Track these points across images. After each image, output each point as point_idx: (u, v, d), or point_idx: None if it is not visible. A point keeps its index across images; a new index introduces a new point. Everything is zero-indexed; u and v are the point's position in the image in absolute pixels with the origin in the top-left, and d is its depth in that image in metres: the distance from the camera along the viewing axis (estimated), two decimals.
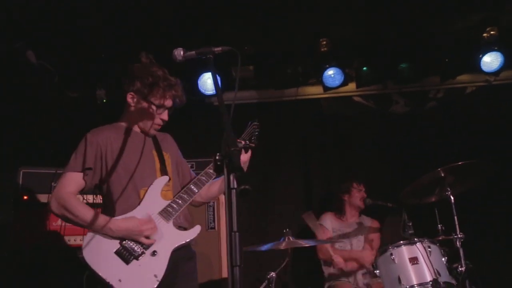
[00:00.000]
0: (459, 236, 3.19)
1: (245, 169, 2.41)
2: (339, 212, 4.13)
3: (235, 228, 1.47)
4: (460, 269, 3.12)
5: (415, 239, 3.20)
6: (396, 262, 3.16)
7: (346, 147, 4.43)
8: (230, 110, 1.71)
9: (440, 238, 3.31)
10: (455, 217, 3.24)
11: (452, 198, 3.29)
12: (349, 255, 3.85)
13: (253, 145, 2.50)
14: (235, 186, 1.59)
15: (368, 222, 4.05)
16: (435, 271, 3.03)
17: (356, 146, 4.41)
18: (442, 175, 3.30)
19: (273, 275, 2.89)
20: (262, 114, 3.85)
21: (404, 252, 3.16)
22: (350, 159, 4.44)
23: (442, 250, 3.21)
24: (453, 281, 3.19)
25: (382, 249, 3.31)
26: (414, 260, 3.10)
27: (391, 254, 3.20)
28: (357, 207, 4.09)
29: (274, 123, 4.21)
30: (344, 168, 4.42)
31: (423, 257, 3.11)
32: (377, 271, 3.30)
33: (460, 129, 4.29)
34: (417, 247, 3.14)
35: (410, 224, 3.28)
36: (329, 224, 4.02)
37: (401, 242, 3.24)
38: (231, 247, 1.44)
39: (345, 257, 3.87)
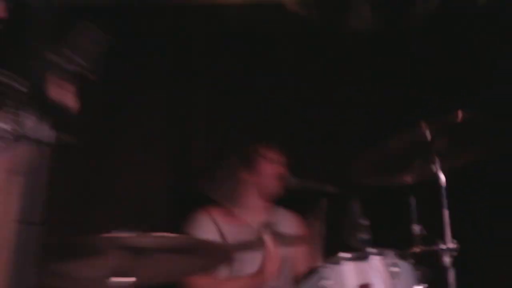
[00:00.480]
0: (449, 246, 2.78)
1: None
2: (233, 204, 3.49)
3: None
4: None
5: (371, 250, 2.66)
6: None
7: (260, 86, 4.03)
8: None
9: (416, 249, 2.94)
10: (445, 212, 2.82)
11: (442, 178, 2.85)
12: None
13: None
14: None
15: (289, 222, 3.53)
16: None
17: (277, 83, 4.05)
18: (428, 136, 2.77)
19: None
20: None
21: (348, 274, 2.62)
22: (265, 107, 3.93)
23: (417, 272, 2.78)
24: None
25: (309, 270, 2.73)
26: None
27: (324, 278, 2.58)
28: (269, 194, 3.45)
29: (134, 34, 3.70)
30: (251, 122, 3.89)
31: (382, 284, 2.58)
32: None
33: (462, 62, 4.04)
34: (373, 266, 2.62)
35: (366, 223, 2.70)
36: (212, 231, 3.37)
37: (344, 255, 2.68)
38: None
39: None
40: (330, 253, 2.81)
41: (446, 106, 3.24)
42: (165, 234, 2.54)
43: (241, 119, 4.18)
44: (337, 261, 2.73)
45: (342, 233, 2.83)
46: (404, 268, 2.79)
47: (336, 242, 2.95)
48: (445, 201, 2.90)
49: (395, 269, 2.74)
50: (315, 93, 4.22)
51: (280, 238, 3.50)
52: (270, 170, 3.59)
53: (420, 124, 2.95)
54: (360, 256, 2.74)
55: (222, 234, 3.49)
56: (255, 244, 3.46)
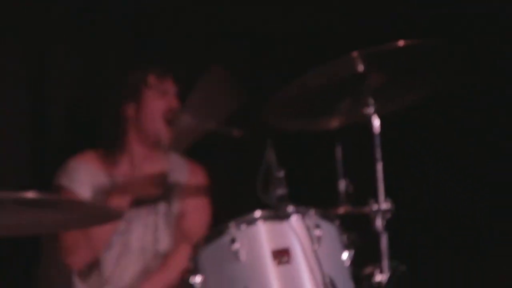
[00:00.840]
0: (381, 207, 2.87)
1: None
2: (112, 149, 3.36)
3: None
4: (379, 278, 2.90)
5: (290, 208, 2.68)
6: (242, 259, 2.59)
7: None
8: None
9: (341, 209, 3.04)
10: (379, 165, 2.90)
11: (376, 123, 2.88)
12: None
13: None
14: None
15: (182, 171, 3.59)
16: (326, 280, 2.69)
17: None
18: (358, 66, 2.75)
19: None
20: None
21: (263, 236, 2.67)
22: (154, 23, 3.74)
23: (344, 236, 2.86)
24: None
25: (214, 231, 2.72)
26: (282, 255, 2.60)
27: (232, 241, 2.59)
28: (155, 136, 3.36)
29: None
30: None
31: (302, 249, 2.61)
32: (197, 277, 2.71)
33: None
34: (292, 227, 2.61)
35: (281, 175, 2.67)
36: (86, 181, 3.33)
37: (258, 214, 2.69)
38: None
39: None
40: (240, 210, 2.82)
41: (382, 33, 3.31)
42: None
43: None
44: (248, 221, 2.74)
45: (255, 186, 2.83)
46: (327, 231, 2.81)
47: (246, 197, 2.98)
48: (378, 152, 2.93)
49: (318, 232, 2.76)
50: (223, 15, 4.13)
51: (176, 188, 3.47)
52: (158, 102, 3.43)
53: (350, 53, 2.92)
54: (276, 215, 2.75)
55: (96, 186, 3.39)
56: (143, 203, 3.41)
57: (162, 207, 3.43)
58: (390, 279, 2.84)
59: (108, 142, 3.42)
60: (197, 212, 3.45)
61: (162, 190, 3.41)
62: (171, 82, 3.43)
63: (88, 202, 3.04)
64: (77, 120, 3.88)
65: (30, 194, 2.41)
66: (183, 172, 3.51)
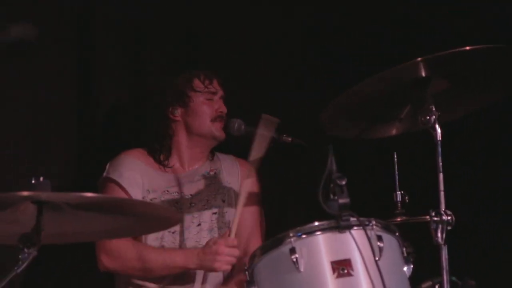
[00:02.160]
0: (443, 217, 2.78)
1: None
2: (160, 150, 3.36)
3: None
4: None
5: (351, 218, 2.61)
6: (302, 269, 2.55)
7: None
8: None
9: (399, 219, 3.04)
10: (440, 175, 2.80)
11: (437, 130, 2.84)
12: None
13: None
14: None
15: (234, 168, 3.52)
16: None
17: None
18: (422, 71, 2.70)
19: None
20: None
21: (323, 247, 2.61)
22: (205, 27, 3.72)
23: (404, 248, 2.80)
24: None
25: (271, 241, 2.68)
26: (342, 267, 2.57)
27: (292, 251, 2.55)
28: (205, 139, 3.48)
29: None
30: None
31: (363, 261, 2.59)
32: None
33: None
34: (353, 238, 2.59)
35: (343, 183, 2.61)
36: (136, 178, 3.30)
37: (317, 224, 2.67)
38: None
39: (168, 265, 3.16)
40: (299, 220, 2.78)
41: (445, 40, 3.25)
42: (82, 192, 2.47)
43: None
44: (308, 231, 2.71)
45: (315, 195, 2.78)
46: (389, 243, 2.74)
47: (307, 206, 2.94)
48: (440, 161, 2.84)
49: (380, 244, 2.69)
50: (276, 16, 4.11)
51: (229, 191, 3.45)
52: (206, 107, 3.42)
53: (413, 58, 2.82)
54: (337, 225, 2.68)
55: (146, 185, 3.38)
56: (194, 202, 3.40)
57: (216, 205, 3.45)
58: None
59: (156, 143, 3.43)
60: (253, 219, 3.48)
61: (214, 189, 3.43)
62: (217, 86, 3.44)
63: (147, 203, 3.01)
64: (121, 123, 3.88)
65: (89, 195, 2.35)
66: (235, 168, 3.53)
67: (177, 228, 3.34)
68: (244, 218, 3.37)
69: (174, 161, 3.45)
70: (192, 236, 3.33)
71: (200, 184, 3.44)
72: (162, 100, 3.46)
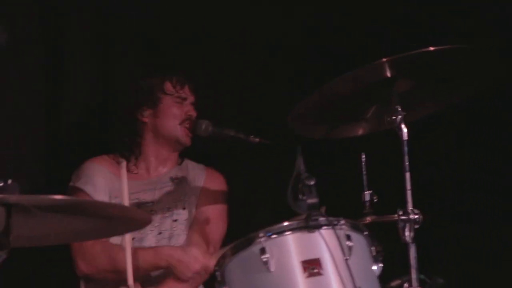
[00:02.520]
0: (411, 216, 2.77)
1: None
2: (127, 155, 3.38)
3: None
4: None
5: (320, 218, 2.61)
6: (272, 269, 2.54)
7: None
8: None
9: (367, 219, 3.04)
10: (407, 174, 2.79)
11: (403, 130, 2.82)
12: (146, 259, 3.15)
13: None
14: None
15: (199, 176, 3.53)
16: None
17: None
18: (387, 71, 2.70)
19: None
20: None
21: (292, 247, 2.57)
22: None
23: (372, 247, 2.81)
24: None
25: (241, 241, 2.68)
26: (312, 266, 2.58)
27: (262, 251, 2.55)
28: (173, 142, 3.44)
29: None
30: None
31: (333, 260, 2.55)
32: None
33: None
34: (323, 238, 2.60)
35: (312, 183, 2.62)
36: (102, 185, 3.32)
37: (287, 224, 2.65)
38: None
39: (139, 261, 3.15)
40: (269, 220, 2.78)
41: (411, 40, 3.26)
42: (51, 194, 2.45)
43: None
44: (278, 231, 2.68)
45: (284, 195, 2.78)
46: (358, 242, 2.76)
47: (275, 207, 2.94)
48: (406, 160, 2.84)
49: (349, 243, 2.71)
50: (244, 17, 4.08)
51: (191, 192, 3.43)
52: (176, 109, 3.40)
53: (379, 59, 2.84)
54: (307, 225, 2.69)
55: (111, 189, 3.35)
56: (159, 205, 3.37)
57: (177, 213, 3.41)
58: None
59: (124, 146, 3.40)
60: (214, 219, 3.44)
61: (177, 196, 3.40)
62: (188, 90, 3.42)
63: (118, 205, 3.00)
64: (90, 124, 3.85)
65: (58, 197, 2.34)
66: (201, 177, 3.49)
67: (136, 234, 3.32)
68: (204, 213, 3.43)
69: (139, 166, 3.43)
70: (152, 244, 3.33)
71: (162, 191, 3.41)
72: (132, 100, 3.44)
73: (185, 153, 3.51)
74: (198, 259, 3.15)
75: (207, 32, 4.03)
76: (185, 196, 3.40)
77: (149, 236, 3.33)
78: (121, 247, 3.22)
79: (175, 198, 3.40)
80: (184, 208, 3.40)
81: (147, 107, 3.41)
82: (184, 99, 3.40)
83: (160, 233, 3.34)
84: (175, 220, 3.38)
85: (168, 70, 3.51)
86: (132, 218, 2.52)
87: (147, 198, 3.36)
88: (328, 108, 2.99)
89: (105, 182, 3.33)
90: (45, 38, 3.75)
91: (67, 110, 3.84)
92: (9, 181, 2.28)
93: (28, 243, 2.47)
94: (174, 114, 3.39)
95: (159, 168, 3.44)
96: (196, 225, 3.38)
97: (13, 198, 2.22)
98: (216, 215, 3.42)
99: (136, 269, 3.16)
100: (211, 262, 3.03)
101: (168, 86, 3.42)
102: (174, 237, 3.36)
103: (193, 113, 3.39)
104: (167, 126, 3.39)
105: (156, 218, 3.36)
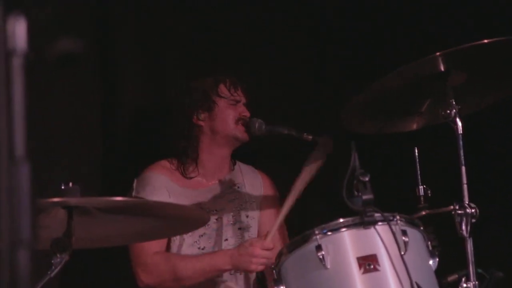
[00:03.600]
0: (467, 210, 2.73)
1: None
2: (184, 159, 3.35)
3: None
4: (464, 285, 2.81)
5: (375, 214, 2.55)
6: (329, 266, 2.53)
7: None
8: None
9: (423, 213, 2.96)
10: (462, 168, 2.77)
11: (458, 124, 2.77)
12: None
13: None
14: None
15: (256, 182, 3.40)
16: (415, 287, 2.61)
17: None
18: (441, 65, 2.66)
19: None
20: None
21: (348, 244, 2.52)
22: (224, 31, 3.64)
23: (429, 242, 2.77)
24: None
25: (297, 239, 2.68)
26: (369, 262, 2.50)
27: (318, 249, 2.54)
28: (229, 144, 3.35)
29: None
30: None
31: (389, 256, 2.50)
32: (281, 287, 2.68)
33: None
34: (378, 234, 2.52)
35: (367, 179, 2.59)
36: (163, 195, 3.28)
37: (342, 220, 2.62)
38: None
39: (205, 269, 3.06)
40: (325, 217, 2.77)
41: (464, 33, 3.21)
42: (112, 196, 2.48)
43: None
44: (333, 228, 2.70)
45: (340, 192, 2.76)
46: (414, 237, 2.73)
47: (331, 203, 2.93)
48: (462, 154, 2.82)
49: (405, 239, 2.68)
50: (293, 17, 4.03)
51: (251, 197, 3.42)
52: (231, 111, 3.41)
53: (432, 53, 2.81)
54: (362, 221, 2.67)
55: (173, 199, 3.31)
56: (219, 210, 3.35)
57: (240, 220, 3.43)
58: (487, 286, 2.77)
59: (181, 151, 3.39)
60: (274, 217, 3.39)
61: (238, 204, 3.42)
62: (241, 92, 3.42)
63: (177, 204, 3.01)
64: (144, 128, 3.86)
65: (118, 199, 2.39)
66: (258, 183, 3.51)
67: (205, 244, 3.35)
68: (266, 220, 3.40)
69: (197, 172, 3.41)
70: (207, 247, 3.36)
71: (225, 199, 3.40)
72: (187, 104, 3.44)
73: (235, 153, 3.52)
74: (253, 244, 3.09)
75: (256, 31, 4.00)
76: (246, 203, 3.42)
77: (218, 244, 3.36)
78: (181, 256, 3.24)
79: (238, 205, 3.41)
80: (247, 216, 3.42)
81: (202, 111, 3.40)
82: (238, 101, 3.41)
83: (226, 239, 3.36)
84: (240, 228, 3.39)
85: (221, 72, 3.51)
86: (190, 217, 2.55)
87: (210, 206, 3.37)
88: (381, 104, 2.97)
89: (167, 191, 3.33)
90: (99, 45, 3.75)
91: (122, 115, 3.82)
92: (70, 184, 2.33)
93: (88, 245, 2.51)
94: (229, 114, 3.40)
95: (217, 174, 3.43)
96: (262, 232, 3.37)
97: (74, 200, 2.27)
98: (276, 212, 3.34)
99: (199, 274, 3.19)
100: (268, 243, 3.09)
101: (222, 88, 3.42)
102: (228, 241, 3.40)
103: (247, 113, 3.40)
104: (224, 127, 3.38)
105: (220, 226, 3.37)
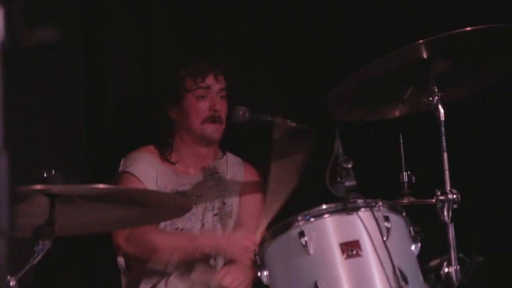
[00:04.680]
0: (449, 196, 2.75)
1: None
2: (165, 149, 3.39)
3: None
4: (446, 269, 2.82)
5: (359, 200, 2.56)
6: (312, 252, 2.53)
7: None
8: None
9: (406, 200, 3.04)
10: (444, 154, 2.78)
11: (440, 111, 2.79)
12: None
13: None
14: None
15: (238, 173, 3.42)
16: (397, 272, 2.58)
17: None
18: (424, 53, 2.67)
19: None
20: None
21: (331, 230, 2.52)
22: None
23: (411, 228, 2.78)
24: None
25: (280, 225, 2.67)
26: (351, 248, 2.49)
27: (301, 235, 2.54)
28: (202, 135, 3.40)
29: None
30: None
31: (371, 241, 2.49)
32: (264, 272, 2.67)
33: None
34: (361, 220, 2.50)
35: (350, 166, 2.59)
36: (151, 173, 3.33)
37: (325, 207, 2.61)
38: None
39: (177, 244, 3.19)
40: (307, 204, 2.74)
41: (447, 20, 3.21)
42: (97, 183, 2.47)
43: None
44: (316, 214, 2.68)
45: (322, 178, 2.76)
46: (396, 223, 2.72)
47: (314, 190, 2.92)
48: (444, 141, 2.84)
49: (387, 224, 2.66)
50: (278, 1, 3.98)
51: (234, 185, 3.43)
52: (199, 105, 3.34)
53: (415, 41, 2.82)
54: (344, 207, 2.66)
55: (160, 180, 3.36)
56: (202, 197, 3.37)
57: (217, 207, 3.43)
58: (467, 271, 2.78)
59: (160, 141, 3.39)
60: (256, 213, 3.42)
61: (217, 191, 3.42)
62: (213, 78, 3.34)
63: (161, 192, 3.01)
64: (130, 115, 3.85)
65: (101, 186, 2.38)
66: (239, 174, 3.50)
67: (185, 225, 3.35)
68: (248, 206, 3.40)
69: (179, 161, 3.41)
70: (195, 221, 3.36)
71: (204, 186, 3.40)
72: (159, 97, 3.41)
73: (227, 140, 3.51)
74: (245, 236, 3.15)
75: (241, 18, 3.98)
76: (225, 191, 3.42)
77: (195, 229, 3.35)
78: (165, 230, 3.24)
79: (216, 192, 3.41)
80: (224, 203, 3.42)
81: (173, 104, 3.36)
82: (207, 88, 3.32)
83: (203, 225, 3.36)
84: (216, 215, 3.40)
85: (192, 62, 3.41)
86: (173, 205, 2.55)
87: (192, 192, 3.38)
88: (365, 91, 2.97)
89: (155, 171, 3.33)
90: (82, 32, 3.73)
91: (105, 101, 3.79)
92: (53, 172, 2.32)
93: (71, 232, 2.51)
94: (197, 111, 3.32)
95: (198, 164, 3.43)
96: (240, 220, 3.40)
97: (57, 188, 2.27)
98: (257, 210, 3.43)
99: (178, 252, 3.19)
100: (257, 237, 3.08)
101: (188, 82, 3.33)
102: (216, 231, 3.41)
103: (219, 106, 3.32)
104: (192, 124, 3.34)
105: (199, 211, 3.37)
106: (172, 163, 3.36)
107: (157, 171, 3.31)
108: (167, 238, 3.20)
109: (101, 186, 2.37)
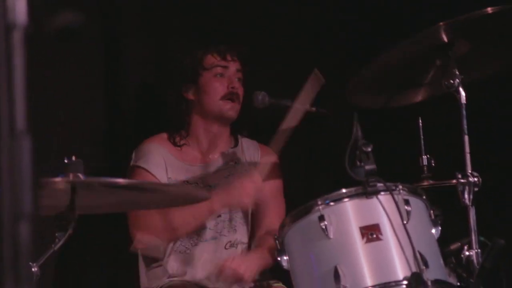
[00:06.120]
0: (470, 179, 2.74)
1: None
2: (179, 134, 3.35)
3: None
4: (467, 253, 2.80)
5: (378, 184, 2.55)
6: (332, 236, 2.53)
7: None
8: None
9: (425, 183, 2.95)
10: (465, 137, 2.78)
11: (461, 93, 2.79)
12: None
13: None
14: None
15: (254, 157, 3.36)
16: (417, 255, 2.57)
17: None
18: (444, 36, 2.67)
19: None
20: None
21: (351, 214, 2.51)
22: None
23: (432, 211, 2.80)
24: (454, 281, 2.80)
25: (300, 209, 2.68)
26: (371, 232, 2.49)
27: (321, 219, 2.54)
28: (220, 119, 3.29)
29: None
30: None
31: (391, 225, 2.48)
32: (284, 257, 2.68)
33: None
34: (380, 203, 2.50)
35: (369, 149, 2.60)
36: (161, 164, 3.29)
37: (345, 191, 2.61)
38: None
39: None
40: (327, 188, 2.76)
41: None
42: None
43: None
44: (336, 198, 2.71)
45: (342, 162, 2.74)
46: (416, 206, 2.72)
47: (334, 174, 2.92)
48: (465, 124, 2.84)
49: (407, 208, 2.66)
50: None
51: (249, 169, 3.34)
52: (217, 84, 3.34)
53: (435, 24, 2.81)
54: (364, 191, 2.64)
55: (170, 170, 3.33)
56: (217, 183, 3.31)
57: None
58: (488, 254, 2.76)
59: (175, 125, 3.38)
60: (274, 197, 3.41)
61: (233, 180, 3.37)
62: (230, 61, 3.34)
63: (180, 185, 3.04)
64: (148, 101, 3.86)
65: (121, 180, 2.44)
66: (256, 158, 3.48)
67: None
68: (266, 187, 3.33)
69: (192, 147, 3.40)
70: (212, 226, 3.33)
71: (219, 175, 3.38)
72: (176, 78, 3.41)
73: (243, 125, 3.48)
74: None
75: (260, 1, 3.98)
76: (241, 173, 3.37)
77: (210, 219, 3.33)
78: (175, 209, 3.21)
79: (232, 181, 3.36)
80: None
81: (190, 84, 3.35)
82: (225, 67, 3.32)
83: (219, 216, 3.32)
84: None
85: (213, 42, 3.42)
86: (192, 196, 2.59)
87: (204, 182, 3.37)
88: (386, 77, 2.99)
89: (164, 161, 3.32)
90: (102, 18, 3.73)
91: (125, 87, 3.82)
92: (73, 158, 2.34)
93: (90, 211, 2.55)
94: (215, 89, 3.31)
95: (212, 150, 3.41)
96: (258, 201, 3.34)
97: (80, 181, 2.30)
98: (274, 195, 3.42)
99: (190, 220, 3.19)
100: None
101: (208, 59, 3.35)
102: (234, 220, 3.37)
103: (236, 85, 3.31)
104: (210, 102, 3.33)
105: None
106: (184, 151, 3.37)
107: (166, 161, 3.31)
108: (185, 214, 3.16)
109: (121, 180, 2.45)
